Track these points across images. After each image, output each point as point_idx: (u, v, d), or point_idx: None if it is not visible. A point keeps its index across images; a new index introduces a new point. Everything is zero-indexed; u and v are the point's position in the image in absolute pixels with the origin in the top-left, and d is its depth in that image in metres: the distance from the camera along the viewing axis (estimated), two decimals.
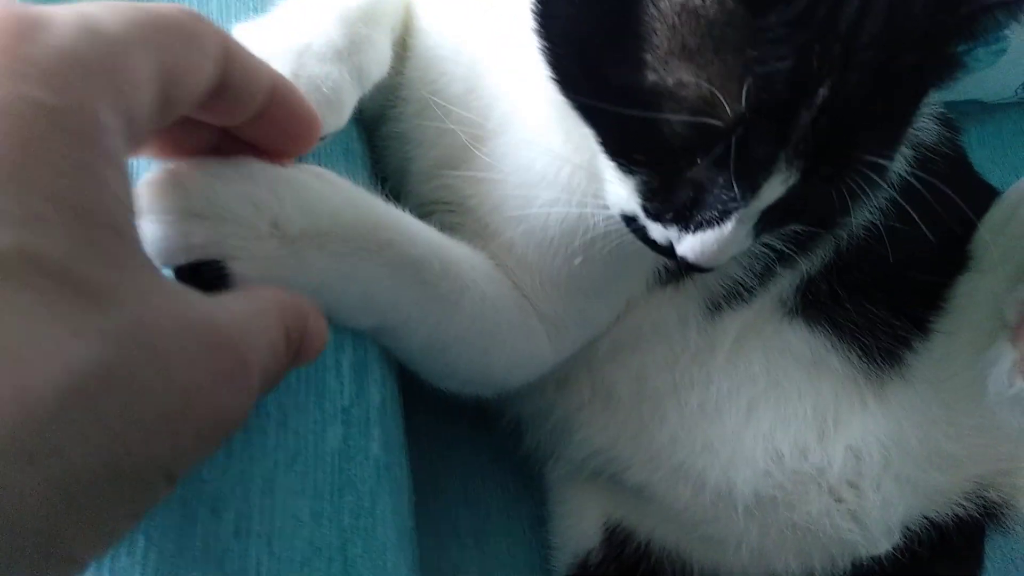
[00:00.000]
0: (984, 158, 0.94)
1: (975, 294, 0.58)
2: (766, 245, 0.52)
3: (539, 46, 0.41)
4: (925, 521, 0.59)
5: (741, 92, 0.34)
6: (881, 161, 0.39)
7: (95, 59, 0.25)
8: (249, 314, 0.29)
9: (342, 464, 0.39)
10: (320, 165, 0.41)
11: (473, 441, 0.71)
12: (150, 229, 0.32)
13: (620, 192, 0.42)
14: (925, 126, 0.56)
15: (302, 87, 0.40)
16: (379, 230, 0.40)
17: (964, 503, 0.59)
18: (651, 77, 0.37)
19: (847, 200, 0.39)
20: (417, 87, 0.53)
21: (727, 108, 0.35)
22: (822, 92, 0.35)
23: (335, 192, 0.38)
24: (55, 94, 0.24)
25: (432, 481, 0.67)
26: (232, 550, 0.34)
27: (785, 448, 0.57)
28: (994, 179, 0.67)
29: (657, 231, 0.42)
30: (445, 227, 0.48)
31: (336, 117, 0.42)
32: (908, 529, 0.59)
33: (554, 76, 0.41)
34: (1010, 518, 0.60)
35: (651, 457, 0.59)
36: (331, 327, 0.37)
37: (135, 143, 0.28)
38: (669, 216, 0.40)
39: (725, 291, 0.55)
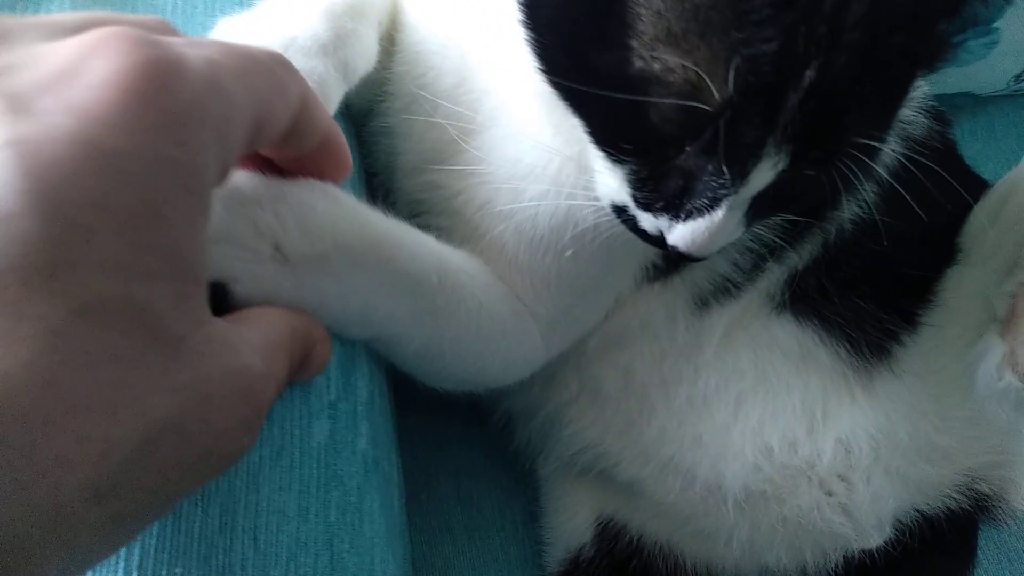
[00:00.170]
0: (976, 151, 0.95)
1: (964, 287, 0.58)
2: (753, 240, 0.51)
3: (526, 37, 0.41)
4: (916, 514, 0.59)
5: (728, 75, 0.34)
6: (872, 143, 0.38)
7: (218, 116, 0.27)
8: (268, 353, 0.30)
9: (328, 459, 0.39)
10: None
11: (465, 438, 0.71)
12: None
13: (610, 182, 0.42)
14: (914, 119, 0.56)
15: None
16: (379, 247, 0.40)
17: (955, 496, 0.58)
18: (638, 64, 0.37)
19: (838, 186, 0.39)
20: (405, 82, 0.52)
21: (714, 92, 0.35)
22: (809, 74, 0.34)
23: (338, 210, 0.38)
24: (182, 149, 0.25)
25: (424, 478, 0.67)
26: (217, 545, 0.34)
27: (774, 442, 0.57)
28: (986, 172, 0.67)
29: (647, 221, 0.42)
30: (433, 231, 0.48)
31: None
32: (899, 522, 0.59)
33: (541, 67, 0.41)
34: (1002, 511, 0.60)
35: (640, 452, 0.59)
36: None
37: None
38: (659, 205, 0.40)
39: (713, 287, 0.55)
